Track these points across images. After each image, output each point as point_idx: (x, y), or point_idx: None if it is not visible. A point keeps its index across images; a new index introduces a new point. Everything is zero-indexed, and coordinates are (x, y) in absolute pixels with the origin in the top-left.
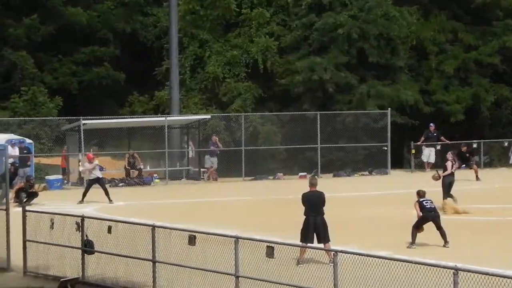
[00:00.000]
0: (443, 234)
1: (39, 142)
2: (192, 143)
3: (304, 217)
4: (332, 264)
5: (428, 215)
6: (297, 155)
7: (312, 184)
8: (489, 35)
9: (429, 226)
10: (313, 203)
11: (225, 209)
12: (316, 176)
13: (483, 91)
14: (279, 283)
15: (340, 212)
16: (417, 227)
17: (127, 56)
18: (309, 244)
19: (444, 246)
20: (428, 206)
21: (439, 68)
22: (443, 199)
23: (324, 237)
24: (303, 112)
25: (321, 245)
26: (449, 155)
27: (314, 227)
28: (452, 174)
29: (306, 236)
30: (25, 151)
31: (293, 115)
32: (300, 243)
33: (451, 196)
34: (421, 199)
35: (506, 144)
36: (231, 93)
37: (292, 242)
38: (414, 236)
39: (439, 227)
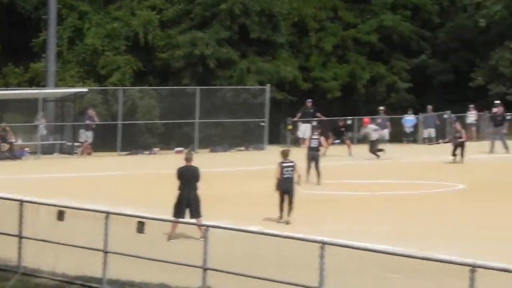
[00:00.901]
0: (289, 210)
1: None
2: (44, 118)
3: (178, 191)
4: (203, 239)
5: (282, 186)
6: (174, 130)
7: (188, 158)
8: (368, 14)
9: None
10: (188, 178)
11: (97, 184)
12: (192, 151)
13: (359, 68)
14: (148, 259)
15: (215, 188)
16: (281, 201)
17: (3, 27)
18: (180, 219)
19: (284, 221)
20: (285, 176)
21: (318, 45)
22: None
23: (196, 212)
24: (182, 87)
25: (193, 220)
26: (314, 130)
27: (187, 202)
28: (313, 148)
29: (178, 211)
30: None
31: (172, 89)
32: (172, 218)
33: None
34: (282, 162)
35: (379, 120)
36: (110, 66)
37: (163, 217)
38: (280, 210)
39: (290, 202)
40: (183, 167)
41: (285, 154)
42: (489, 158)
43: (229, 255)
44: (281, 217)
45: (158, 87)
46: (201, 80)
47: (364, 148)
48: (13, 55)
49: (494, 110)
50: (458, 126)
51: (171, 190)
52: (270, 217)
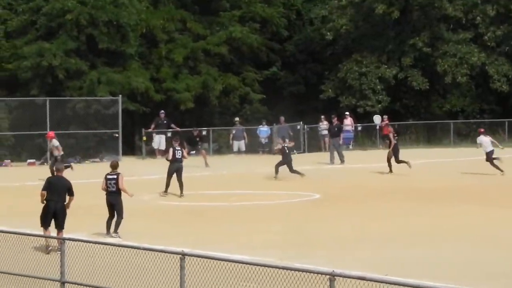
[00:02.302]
0: (116, 222)
1: None
2: None
3: (45, 202)
4: (59, 252)
5: (107, 199)
6: (26, 141)
7: (58, 169)
8: (217, 25)
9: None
10: (56, 189)
11: None
12: (60, 163)
13: (211, 79)
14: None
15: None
16: (109, 215)
17: None
18: (33, 232)
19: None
20: (109, 189)
21: (169, 57)
22: (166, 186)
23: (60, 224)
24: (32, 98)
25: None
26: (174, 142)
27: (54, 212)
28: (178, 160)
29: (44, 221)
30: None
31: (21, 100)
32: (41, 227)
33: (180, 184)
34: (107, 174)
35: (234, 131)
36: None
37: (19, 231)
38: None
39: (117, 215)
40: (52, 177)
41: (113, 166)
42: (332, 169)
43: (88, 267)
44: (107, 232)
45: (6, 98)
46: (51, 91)
47: (220, 159)
48: None
49: (345, 121)
50: (279, 139)
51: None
52: (126, 229)
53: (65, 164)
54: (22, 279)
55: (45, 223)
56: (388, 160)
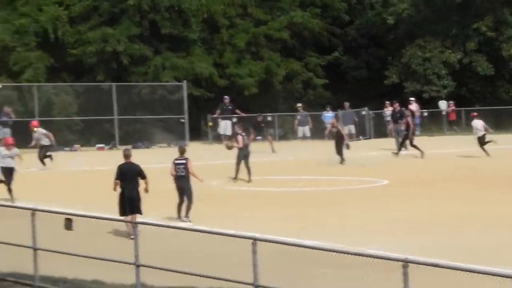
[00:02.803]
0: (187, 207)
1: None
2: None
3: (120, 189)
4: (133, 237)
5: (176, 184)
6: (94, 126)
7: (126, 155)
8: (277, 10)
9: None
10: (128, 175)
11: (21, 181)
12: (128, 148)
13: (274, 65)
14: (80, 256)
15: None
16: (179, 200)
17: None
18: (109, 216)
19: (183, 218)
20: (179, 174)
21: (231, 42)
22: (236, 172)
23: (135, 209)
24: (97, 83)
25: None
26: (238, 128)
27: (129, 198)
28: (245, 146)
29: (122, 209)
30: None
31: (88, 86)
32: (120, 216)
33: (247, 170)
34: (176, 159)
35: (299, 117)
36: (22, 62)
37: (91, 214)
38: (178, 211)
39: (187, 200)
40: (123, 164)
41: (181, 151)
42: (398, 155)
43: (161, 251)
44: (178, 216)
45: (73, 83)
46: (116, 76)
47: (285, 145)
48: None
49: (411, 107)
50: (334, 121)
51: (99, 187)
52: (197, 213)
53: (47, 153)
54: (99, 262)
55: (124, 211)
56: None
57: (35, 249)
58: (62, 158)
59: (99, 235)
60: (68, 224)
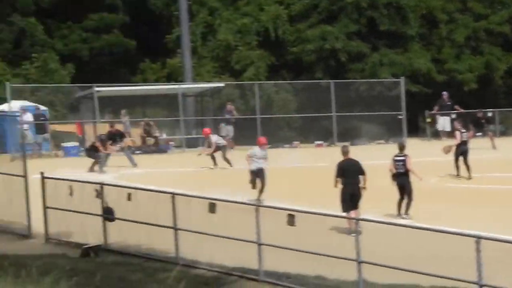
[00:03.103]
0: (407, 204)
1: (53, 109)
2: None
3: (341, 186)
4: (354, 234)
5: (396, 181)
6: (312, 123)
7: (345, 152)
8: (498, 4)
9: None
10: (349, 172)
11: (243, 177)
12: (346, 145)
13: (495, 59)
14: (304, 251)
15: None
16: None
17: (137, 24)
18: (330, 212)
19: (403, 215)
20: (398, 171)
21: (449, 37)
22: (456, 167)
23: (356, 205)
24: (317, 81)
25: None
26: (457, 124)
27: (351, 195)
28: (463, 143)
29: (345, 206)
30: (41, 118)
31: (307, 83)
32: (343, 213)
33: (467, 166)
34: (395, 156)
35: None
36: (244, 61)
37: (312, 210)
38: (398, 207)
39: (407, 196)
40: (343, 161)
41: (400, 148)
42: None
43: (381, 248)
44: (399, 213)
45: (293, 81)
46: (334, 73)
47: (507, 141)
48: (149, 51)
49: None
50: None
51: (318, 183)
52: (418, 211)
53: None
54: (321, 258)
55: (346, 208)
56: None
57: (260, 244)
58: (282, 155)
59: (321, 231)
60: (291, 220)
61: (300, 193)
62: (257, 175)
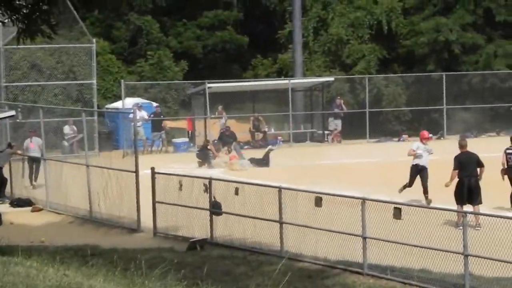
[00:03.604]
0: None
1: (165, 106)
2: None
3: (458, 179)
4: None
5: (508, 174)
6: (422, 116)
7: (462, 145)
8: None
9: None
10: (466, 165)
11: (349, 171)
12: (465, 138)
13: None
14: (408, 245)
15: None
16: None
17: (250, 20)
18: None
19: None
20: (510, 164)
21: None
22: None
23: (475, 199)
24: (428, 73)
25: (470, 207)
26: None
27: (468, 188)
28: None
29: (460, 198)
30: (162, 115)
31: (417, 76)
32: (457, 205)
33: None
34: (507, 149)
35: None
36: (355, 55)
37: (418, 204)
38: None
39: None
40: (460, 154)
41: None
42: None
43: (490, 242)
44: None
45: (403, 74)
46: (446, 66)
47: None
48: (261, 47)
49: None
50: None
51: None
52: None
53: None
54: (426, 251)
55: (461, 200)
56: None
57: (365, 238)
58: (390, 149)
59: (427, 225)
60: (397, 213)
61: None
62: (419, 171)
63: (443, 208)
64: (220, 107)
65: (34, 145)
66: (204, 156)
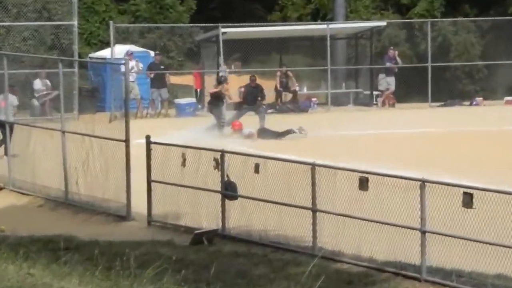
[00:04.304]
0: None
1: (167, 56)
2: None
3: None
4: None
5: None
6: (502, 73)
7: None
8: None
9: None
10: None
11: (405, 144)
12: None
13: None
14: (480, 241)
15: None
16: None
17: None
18: None
19: None
20: None
21: None
22: None
23: None
24: (509, 17)
25: None
26: None
27: None
28: None
29: None
30: (162, 67)
31: (496, 20)
32: None
33: None
34: None
35: None
36: None
37: (495, 188)
38: None
39: None
40: None
41: None
42: None
43: None
44: None
45: (477, 18)
46: None
47: None
48: None
49: None
50: None
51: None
52: None
53: None
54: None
55: None
56: None
57: (424, 232)
58: (460, 115)
59: (505, 216)
60: (468, 201)
61: (482, 164)
62: None
63: None
64: (221, 59)
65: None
66: (215, 109)
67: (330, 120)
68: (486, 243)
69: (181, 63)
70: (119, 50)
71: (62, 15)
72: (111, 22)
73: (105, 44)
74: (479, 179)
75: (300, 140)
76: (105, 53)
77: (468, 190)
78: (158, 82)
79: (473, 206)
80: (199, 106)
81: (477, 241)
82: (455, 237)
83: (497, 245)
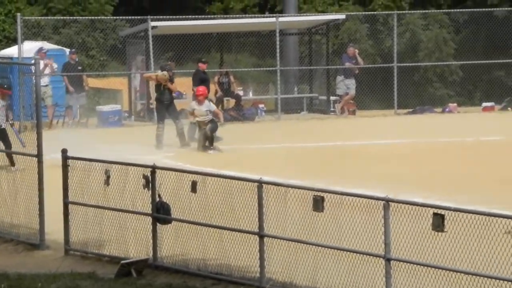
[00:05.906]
0: None
1: (86, 55)
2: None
3: None
4: None
5: None
6: (479, 75)
7: None
8: None
9: None
10: None
11: (368, 159)
12: None
13: None
14: (452, 270)
15: None
16: None
17: None
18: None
19: None
20: None
21: None
22: None
23: None
24: (490, 9)
25: None
26: None
27: None
28: None
29: None
30: (80, 67)
31: (473, 13)
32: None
33: None
34: None
35: None
36: None
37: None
38: None
39: None
40: None
41: None
42: None
43: None
44: None
45: (451, 10)
46: None
47: None
48: None
49: None
50: None
51: (483, 168)
52: None
53: None
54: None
55: None
56: None
57: (388, 260)
58: (430, 124)
59: (486, 240)
60: (438, 223)
61: (456, 181)
62: None
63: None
64: (139, 57)
65: None
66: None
67: (280, 130)
68: (460, 272)
69: (103, 63)
70: (29, 47)
71: None
72: (18, 15)
73: (12, 41)
74: (453, 199)
75: (245, 153)
76: (11, 51)
77: (439, 211)
78: (76, 85)
79: (445, 229)
80: (126, 114)
81: (449, 270)
82: (424, 265)
83: (472, 274)
